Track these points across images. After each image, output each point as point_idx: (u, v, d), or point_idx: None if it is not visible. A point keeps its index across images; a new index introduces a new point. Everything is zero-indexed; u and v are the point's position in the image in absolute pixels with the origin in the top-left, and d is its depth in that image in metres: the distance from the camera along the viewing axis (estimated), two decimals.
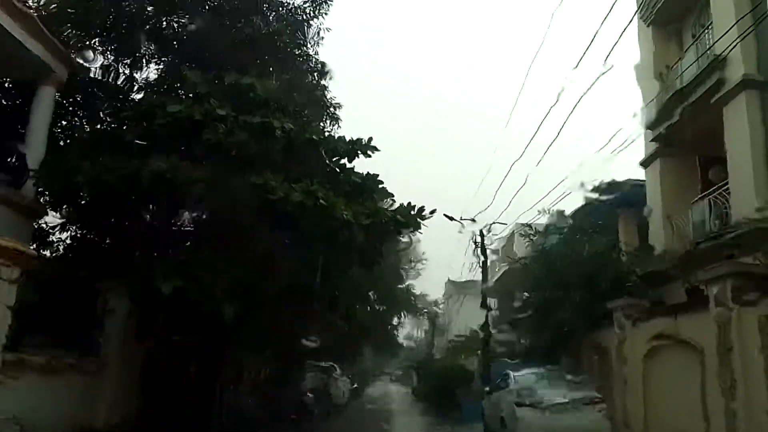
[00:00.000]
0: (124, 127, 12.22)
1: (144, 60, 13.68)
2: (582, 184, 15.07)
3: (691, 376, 9.42)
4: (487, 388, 14.94)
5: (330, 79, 15.37)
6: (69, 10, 12.28)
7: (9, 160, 11.29)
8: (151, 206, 12.38)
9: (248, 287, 10.22)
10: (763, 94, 10.63)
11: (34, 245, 11.26)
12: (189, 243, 12.87)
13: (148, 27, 13.12)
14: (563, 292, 14.08)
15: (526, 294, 19.35)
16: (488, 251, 23.82)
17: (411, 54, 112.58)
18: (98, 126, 13.23)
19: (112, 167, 9.76)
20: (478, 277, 23.70)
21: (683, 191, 13.10)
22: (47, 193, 11.21)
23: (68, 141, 12.61)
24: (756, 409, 7.89)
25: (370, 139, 11.95)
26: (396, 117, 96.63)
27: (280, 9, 14.07)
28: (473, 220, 23.03)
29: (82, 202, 11.43)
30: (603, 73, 10.54)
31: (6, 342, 7.97)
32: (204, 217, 12.81)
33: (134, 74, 13.71)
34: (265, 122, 10.69)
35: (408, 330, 53.57)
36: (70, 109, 13.23)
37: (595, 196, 16.60)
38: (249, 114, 10.76)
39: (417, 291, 39.63)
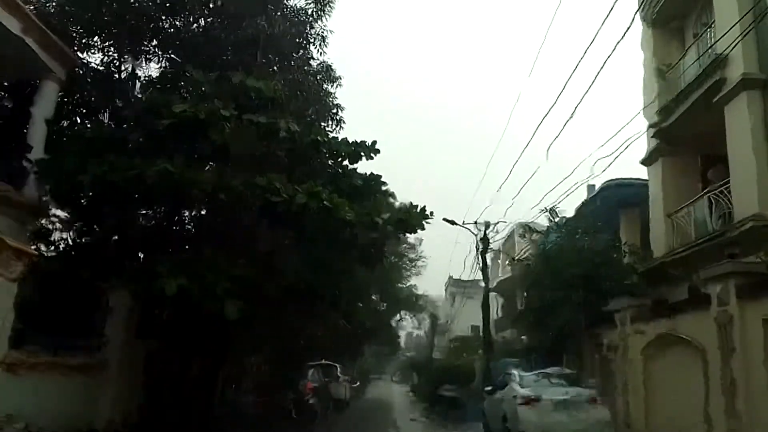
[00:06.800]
0: (125, 126, 12.22)
1: (147, 58, 13.69)
2: (584, 183, 15.09)
3: (693, 375, 9.41)
4: (489, 388, 14.90)
5: (332, 80, 15.34)
6: (72, 8, 12.29)
7: (10, 159, 11.29)
8: (154, 206, 12.37)
9: (250, 286, 10.23)
10: (764, 92, 10.60)
11: (35, 245, 11.27)
12: (192, 242, 12.89)
13: (151, 26, 13.13)
14: (564, 292, 14.06)
15: (527, 293, 19.31)
16: (489, 251, 23.71)
17: (412, 54, 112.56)
18: (100, 124, 13.23)
19: (118, 167, 9.76)
20: (479, 275, 23.60)
21: (685, 189, 13.08)
22: (50, 191, 11.22)
23: (70, 140, 12.62)
24: (758, 408, 7.88)
25: (374, 142, 11.98)
26: (397, 116, 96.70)
27: (284, 10, 14.07)
28: (475, 223, 22.99)
29: (84, 202, 11.43)
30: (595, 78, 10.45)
31: (9, 341, 7.98)
32: (207, 216, 12.83)
33: (137, 72, 13.74)
34: (270, 123, 10.69)
35: (409, 329, 53.63)
36: (72, 108, 13.23)
37: (596, 194, 16.60)
38: (253, 114, 10.76)
39: (418, 290, 39.63)
